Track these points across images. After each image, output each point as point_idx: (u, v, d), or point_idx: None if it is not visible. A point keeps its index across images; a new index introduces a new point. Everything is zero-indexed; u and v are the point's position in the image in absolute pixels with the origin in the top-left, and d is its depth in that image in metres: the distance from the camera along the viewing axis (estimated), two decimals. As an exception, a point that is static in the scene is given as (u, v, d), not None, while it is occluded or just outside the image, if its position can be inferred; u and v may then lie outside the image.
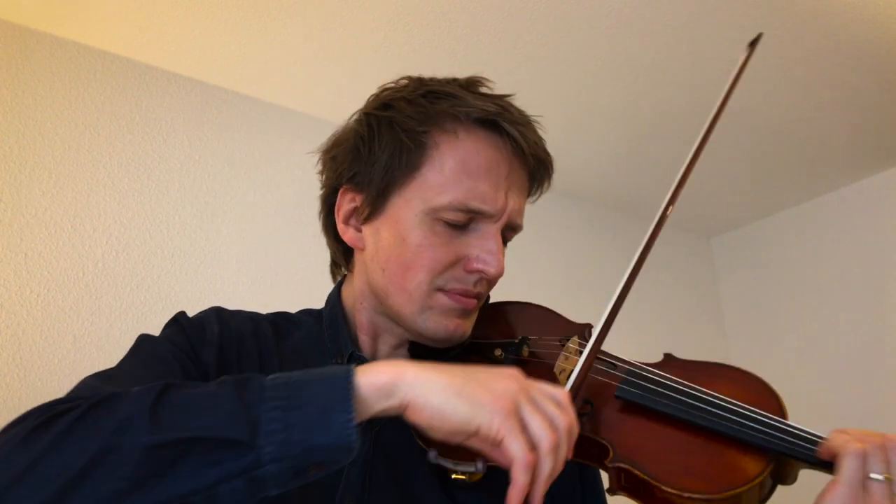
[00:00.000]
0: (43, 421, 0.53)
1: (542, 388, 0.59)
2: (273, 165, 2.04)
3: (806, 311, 2.81)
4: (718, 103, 0.75)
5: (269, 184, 2.01)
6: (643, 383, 0.68)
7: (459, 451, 0.65)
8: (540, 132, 0.80)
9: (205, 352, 0.74)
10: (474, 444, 0.57)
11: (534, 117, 0.79)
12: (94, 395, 0.55)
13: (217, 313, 0.80)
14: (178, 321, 0.77)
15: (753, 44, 0.75)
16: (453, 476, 0.68)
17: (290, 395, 0.54)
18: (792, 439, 0.62)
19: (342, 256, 0.85)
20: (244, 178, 1.98)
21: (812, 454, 0.61)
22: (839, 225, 2.82)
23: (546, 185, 0.82)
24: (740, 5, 1.80)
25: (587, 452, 0.64)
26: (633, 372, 0.70)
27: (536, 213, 2.84)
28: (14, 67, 1.70)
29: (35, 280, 1.59)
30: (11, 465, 0.50)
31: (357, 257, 0.82)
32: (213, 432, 0.52)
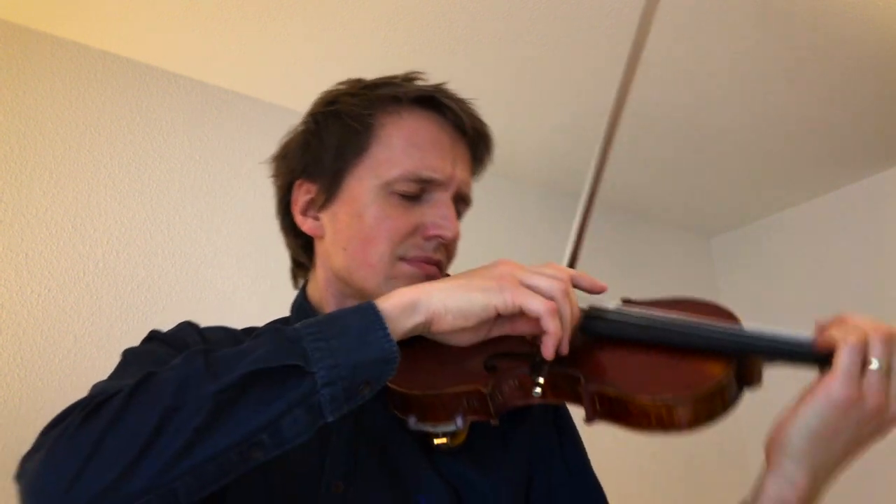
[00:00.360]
0: (92, 409, 0.54)
1: (531, 265, 0.67)
2: (273, 165, 2.04)
3: (806, 312, 2.81)
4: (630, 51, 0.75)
5: (269, 184, 2.01)
6: (604, 316, 0.72)
7: (437, 412, 0.68)
8: (477, 110, 0.84)
9: None
10: (501, 331, 0.65)
11: (469, 99, 0.83)
12: (126, 383, 0.56)
13: (192, 326, 0.81)
14: (155, 337, 0.78)
15: None
16: (436, 441, 0.71)
17: (325, 330, 0.58)
18: (749, 338, 0.65)
19: (303, 252, 0.87)
20: (244, 179, 1.98)
21: (799, 346, 0.62)
22: (839, 225, 2.82)
23: (487, 159, 0.86)
24: (740, 6, 1.80)
25: (561, 389, 0.67)
26: (593, 309, 0.74)
27: (543, 213, 2.80)
28: (14, 67, 1.70)
29: (35, 280, 1.59)
30: (75, 450, 0.51)
31: (318, 247, 0.84)
32: (272, 363, 0.55)
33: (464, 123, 0.80)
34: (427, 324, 0.62)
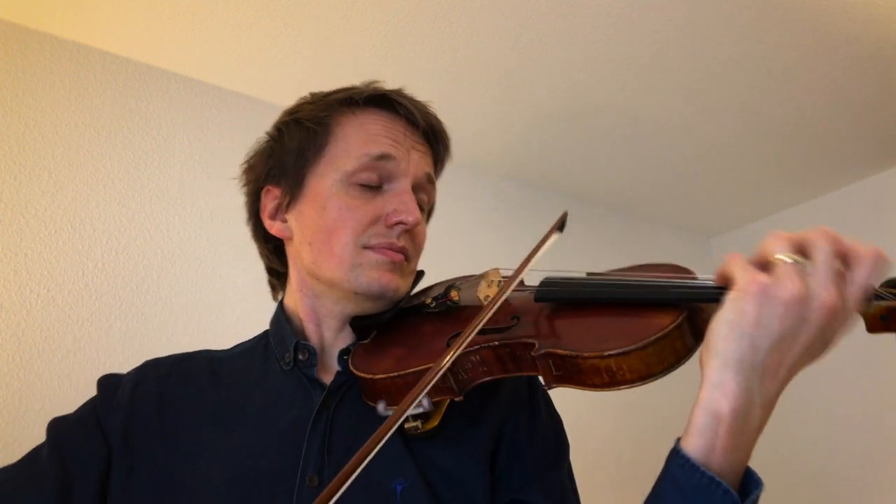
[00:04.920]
0: None
1: None
2: (273, 165, 2.04)
3: (806, 311, 2.81)
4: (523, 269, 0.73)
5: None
6: (557, 282, 0.73)
7: (402, 395, 0.69)
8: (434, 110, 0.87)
9: (110, 417, 0.77)
10: None
11: (426, 101, 0.87)
12: None
13: (139, 371, 0.83)
14: (97, 391, 0.81)
15: (561, 227, 0.76)
16: (407, 426, 0.71)
17: None
18: (696, 285, 0.65)
19: (276, 257, 0.90)
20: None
21: (713, 289, 0.62)
22: (839, 225, 2.79)
23: (446, 155, 0.89)
24: (739, 7, 1.80)
25: (520, 358, 0.68)
26: (548, 278, 0.75)
27: (551, 214, 2.74)
28: (14, 67, 1.70)
29: (35, 280, 1.59)
30: None
31: (289, 250, 0.87)
32: None
33: (416, 118, 0.83)
34: None
